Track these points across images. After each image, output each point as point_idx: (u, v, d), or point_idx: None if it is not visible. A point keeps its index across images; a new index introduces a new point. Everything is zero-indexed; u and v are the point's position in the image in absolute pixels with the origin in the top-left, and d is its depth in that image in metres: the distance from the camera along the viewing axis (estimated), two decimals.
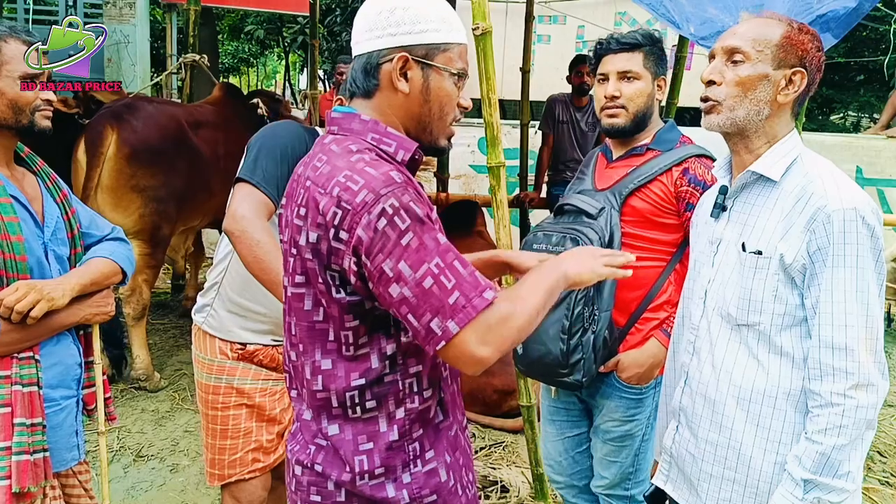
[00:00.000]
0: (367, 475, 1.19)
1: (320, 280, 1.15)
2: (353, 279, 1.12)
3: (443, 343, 1.07)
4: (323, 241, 1.12)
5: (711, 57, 1.49)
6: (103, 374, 1.88)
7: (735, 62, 1.42)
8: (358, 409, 1.19)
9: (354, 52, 1.25)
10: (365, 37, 1.22)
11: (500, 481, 3.11)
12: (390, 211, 1.07)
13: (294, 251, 1.18)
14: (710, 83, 1.45)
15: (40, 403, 1.59)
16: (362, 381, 1.18)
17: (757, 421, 1.41)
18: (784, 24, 1.43)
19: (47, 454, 1.60)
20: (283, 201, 1.30)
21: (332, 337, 1.18)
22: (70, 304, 1.65)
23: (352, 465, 1.19)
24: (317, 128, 2.03)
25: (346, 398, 1.19)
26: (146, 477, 3.13)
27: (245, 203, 1.69)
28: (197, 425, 3.62)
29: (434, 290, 1.07)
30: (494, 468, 3.22)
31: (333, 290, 1.15)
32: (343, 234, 1.09)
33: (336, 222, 1.09)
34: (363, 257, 1.09)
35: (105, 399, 1.87)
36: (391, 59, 1.20)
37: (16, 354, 1.57)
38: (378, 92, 1.23)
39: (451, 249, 1.11)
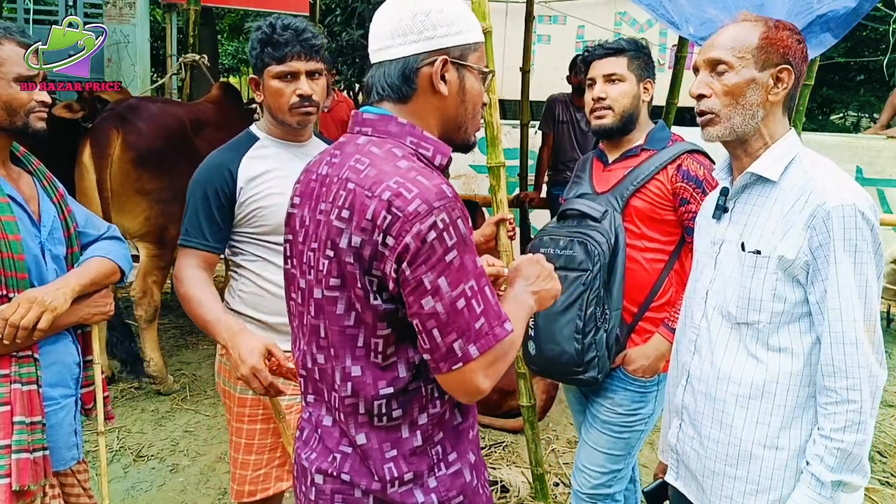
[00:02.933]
0: (396, 482, 1.19)
1: (359, 285, 1.13)
2: (391, 285, 1.11)
3: (459, 365, 1.09)
4: (367, 245, 1.10)
5: (695, 70, 1.51)
6: (101, 373, 1.88)
7: (720, 73, 1.44)
8: (384, 418, 1.19)
9: (381, 58, 1.21)
10: (398, 41, 1.19)
11: (500, 481, 3.11)
12: (441, 225, 1.07)
13: (331, 253, 1.15)
14: (700, 97, 1.47)
15: (40, 402, 1.59)
16: (390, 390, 1.17)
17: (756, 418, 1.43)
18: (760, 24, 1.44)
19: (47, 453, 1.60)
20: (297, 201, 1.27)
21: (361, 343, 1.17)
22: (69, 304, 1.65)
23: (381, 473, 1.19)
24: (254, 114, 2.04)
25: (374, 406, 1.18)
26: (146, 477, 3.13)
27: (179, 266, 1.92)
28: (197, 425, 3.62)
29: (464, 311, 1.08)
30: (494, 468, 3.22)
31: (371, 296, 1.13)
32: (389, 240, 1.08)
33: (385, 227, 1.08)
34: (404, 264, 1.08)
35: (103, 398, 1.87)
36: (432, 63, 1.19)
37: (14, 353, 1.57)
38: (416, 95, 1.21)
39: (484, 274, 1.12)
